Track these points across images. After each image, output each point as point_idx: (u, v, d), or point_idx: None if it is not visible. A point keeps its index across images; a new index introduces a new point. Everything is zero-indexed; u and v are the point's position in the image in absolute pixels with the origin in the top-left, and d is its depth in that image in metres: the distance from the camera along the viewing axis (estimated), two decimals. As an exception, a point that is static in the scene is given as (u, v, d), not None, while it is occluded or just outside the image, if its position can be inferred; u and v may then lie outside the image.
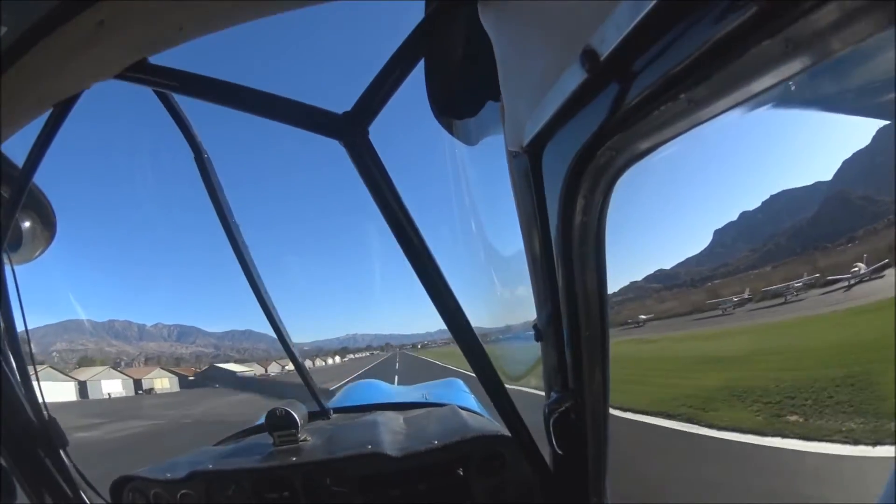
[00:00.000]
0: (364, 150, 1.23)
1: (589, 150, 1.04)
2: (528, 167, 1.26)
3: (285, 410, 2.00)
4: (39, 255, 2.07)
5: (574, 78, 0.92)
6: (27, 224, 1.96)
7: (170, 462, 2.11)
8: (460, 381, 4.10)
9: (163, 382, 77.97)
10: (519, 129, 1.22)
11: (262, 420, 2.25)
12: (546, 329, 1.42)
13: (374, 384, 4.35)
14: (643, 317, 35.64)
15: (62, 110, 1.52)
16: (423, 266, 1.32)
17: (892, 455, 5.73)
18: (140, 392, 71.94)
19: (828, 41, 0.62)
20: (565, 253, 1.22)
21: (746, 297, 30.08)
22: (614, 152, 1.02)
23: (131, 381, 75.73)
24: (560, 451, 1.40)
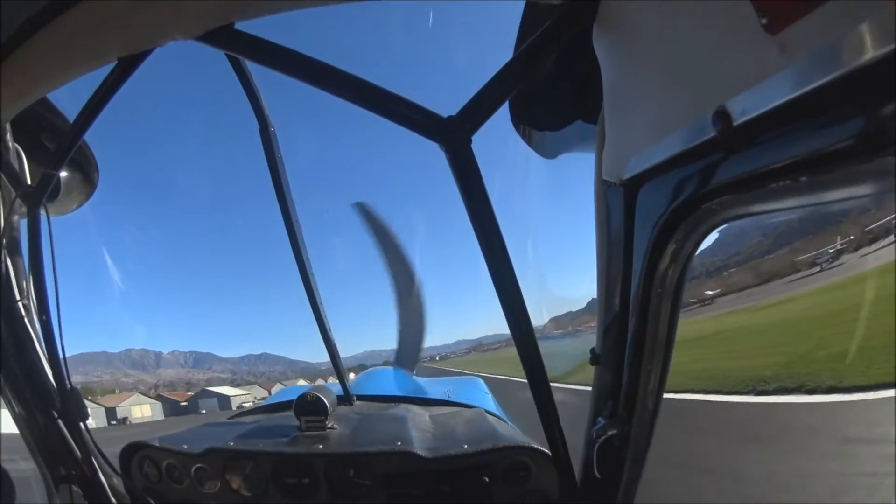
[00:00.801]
0: (465, 157, 1.21)
1: (695, 201, 1.05)
2: (621, 200, 1.26)
3: (316, 396, 1.98)
4: (75, 209, 2.01)
5: (700, 133, 0.94)
6: (65, 174, 1.87)
7: (186, 432, 2.09)
8: (481, 381, 4.07)
9: (143, 410, 69.76)
10: (620, 161, 1.21)
11: (285, 397, 2.20)
12: (605, 356, 1.45)
13: (395, 372, 4.30)
14: (710, 293, 32.96)
15: (127, 66, 1.43)
16: (503, 278, 1.32)
17: None
18: (114, 422, 64.79)
19: None
20: (645, 289, 1.23)
21: (840, 247, 26.67)
22: (718, 207, 1.03)
23: (102, 409, 66.90)
24: (598, 475, 1.45)
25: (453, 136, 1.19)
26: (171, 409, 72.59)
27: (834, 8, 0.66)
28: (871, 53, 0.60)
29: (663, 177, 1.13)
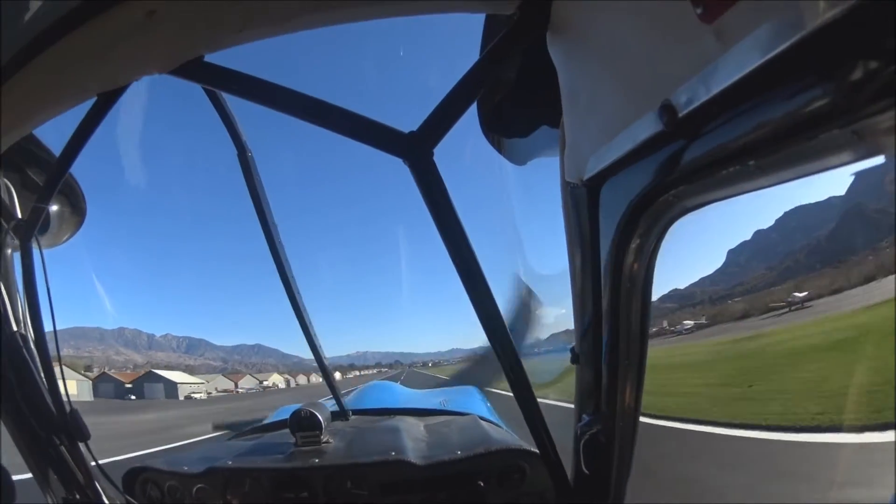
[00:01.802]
0: (428, 171, 1.25)
1: (651, 195, 1.08)
2: (585, 200, 1.29)
3: (310, 412, 2.01)
4: (66, 240, 2.07)
5: (648, 127, 0.96)
6: (55, 208, 1.94)
7: (186, 454, 2.12)
8: (476, 389, 4.08)
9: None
10: (580, 162, 1.24)
11: (282, 416, 2.27)
12: (584, 354, 1.47)
13: (390, 386, 4.35)
14: (799, 294, 30.73)
15: (107, 100, 1.49)
16: (475, 284, 1.35)
17: None
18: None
19: (892, 139, 0.67)
20: (614, 286, 1.26)
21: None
22: (675, 199, 1.06)
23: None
24: (587, 471, 1.46)
25: (415, 150, 1.23)
26: (115, 390, 64.99)
27: None
28: (802, 32, 0.62)
29: (621, 174, 1.16)
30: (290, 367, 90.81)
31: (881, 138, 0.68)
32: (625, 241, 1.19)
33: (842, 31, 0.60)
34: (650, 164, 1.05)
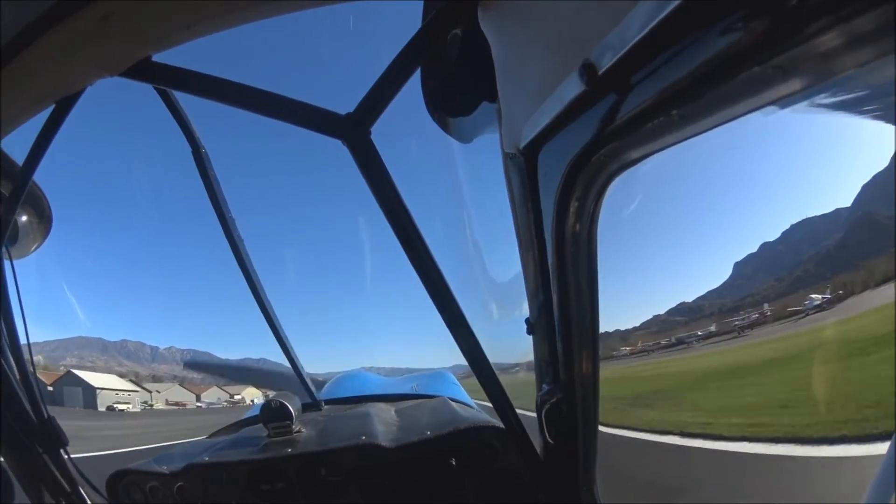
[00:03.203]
0: (367, 151, 1.27)
1: (584, 156, 1.10)
2: (523, 168, 1.31)
3: (280, 402, 2.01)
4: (35, 249, 2.09)
5: (572, 88, 0.98)
6: (23, 218, 1.97)
7: (164, 454, 2.12)
8: (449, 373, 4.07)
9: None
10: (516, 131, 1.26)
11: (256, 411, 2.26)
12: (538, 323, 1.48)
13: (363, 375, 4.33)
14: None
15: (64, 107, 1.52)
16: (421, 261, 1.37)
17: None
18: None
19: (815, 71, 0.68)
20: (558, 251, 1.27)
21: None
22: (608, 159, 1.08)
23: None
24: (552, 442, 1.46)
25: (352, 131, 1.26)
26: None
27: None
28: None
29: (554, 139, 1.18)
30: (294, 381, 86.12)
31: (805, 69, 0.69)
32: (564, 206, 1.20)
33: None
34: (579, 125, 1.07)
